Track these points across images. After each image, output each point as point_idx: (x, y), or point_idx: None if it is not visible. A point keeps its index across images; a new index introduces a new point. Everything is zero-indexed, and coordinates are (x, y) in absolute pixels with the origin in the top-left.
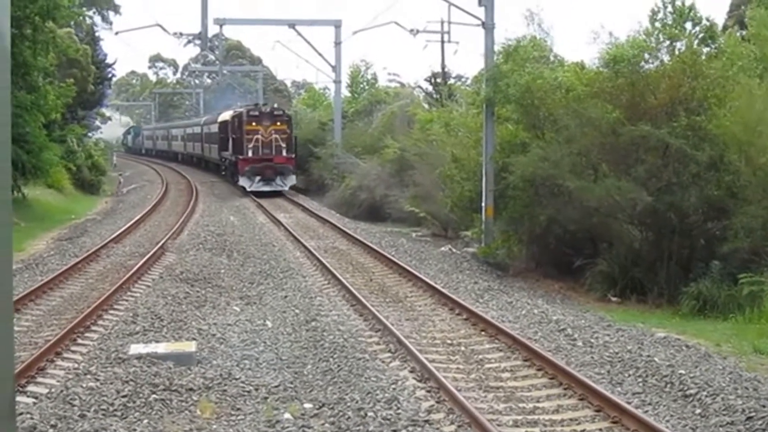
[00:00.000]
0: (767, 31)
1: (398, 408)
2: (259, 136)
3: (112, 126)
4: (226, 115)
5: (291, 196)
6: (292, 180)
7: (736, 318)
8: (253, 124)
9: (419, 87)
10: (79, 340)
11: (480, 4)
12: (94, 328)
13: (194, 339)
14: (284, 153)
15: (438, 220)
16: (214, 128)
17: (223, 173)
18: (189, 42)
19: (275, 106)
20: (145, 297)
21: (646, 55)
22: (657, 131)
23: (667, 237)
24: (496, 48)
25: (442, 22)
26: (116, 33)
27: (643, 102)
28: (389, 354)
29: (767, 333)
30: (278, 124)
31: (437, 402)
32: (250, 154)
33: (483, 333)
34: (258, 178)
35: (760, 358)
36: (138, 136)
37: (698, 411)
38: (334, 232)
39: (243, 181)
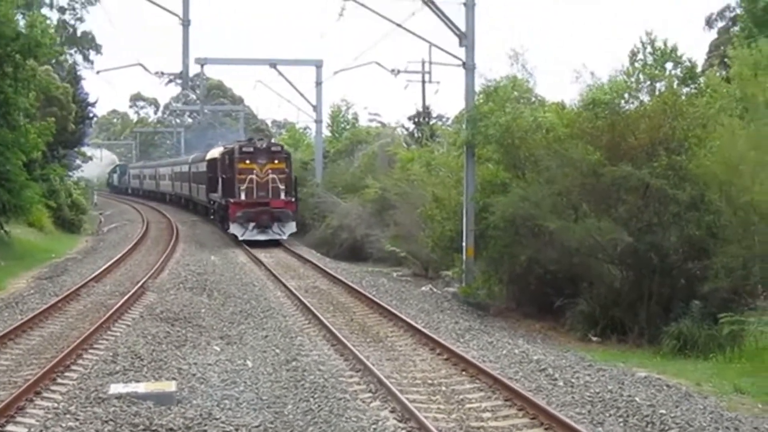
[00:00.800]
0: (749, 70)
1: None
2: (254, 176)
3: (96, 164)
4: (215, 152)
5: None
6: (291, 227)
7: (716, 357)
8: (247, 162)
9: (402, 126)
10: (59, 380)
11: (461, 44)
12: (73, 367)
13: (174, 379)
14: (283, 195)
15: (419, 260)
16: (203, 167)
17: (212, 218)
18: (170, 81)
19: (272, 141)
20: (125, 336)
21: (626, 95)
22: (637, 171)
23: (647, 277)
24: (477, 88)
25: (423, 63)
26: (98, 72)
27: (623, 142)
28: (370, 394)
29: (748, 372)
30: (276, 162)
31: None
32: (242, 197)
33: (464, 373)
34: (252, 225)
35: (741, 398)
36: (124, 175)
37: None
38: (315, 271)
39: (234, 228)
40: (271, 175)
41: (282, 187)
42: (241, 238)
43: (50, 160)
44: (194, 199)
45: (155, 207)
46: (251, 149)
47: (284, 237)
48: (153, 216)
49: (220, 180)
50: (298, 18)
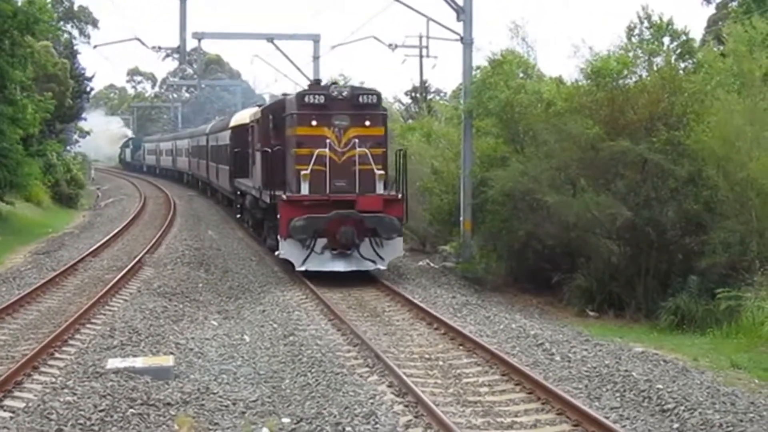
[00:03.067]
0: (744, 46)
1: (376, 423)
2: (327, 151)
3: (104, 137)
4: (245, 115)
5: None
6: (396, 248)
7: (713, 332)
8: (313, 123)
9: (399, 102)
10: (57, 354)
11: (458, 19)
12: (71, 342)
13: (172, 353)
14: (380, 187)
15: (416, 235)
16: (224, 138)
17: (239, 217)
18: (167, 56)
19: (356, 84)
20: (122, 311)
21: (625, 71)
22: (637, 147)
23: (645, 252)
24: (483, 61)
25: (421, 37)
26: (95, 47)
27: (622, 117)
28: (367, 368)
29: (744, 348)
30: (368, 124)
31: (415, 417)
32: (304, 189)
33: (461, 347)
34: (322, 243)
35: (738, 373)
36: (138, 150)
37: (676, 426)
38: None
39: (287, 249)
40: (358, 149)
41: (379, 170)
42: (300, 268)
43: (47, 136)
44: (213, 184)
45: (152, 181)
46: (321, 99)
47: (383, 266)
48: (150, 191)
49: (257, 158)
50: None
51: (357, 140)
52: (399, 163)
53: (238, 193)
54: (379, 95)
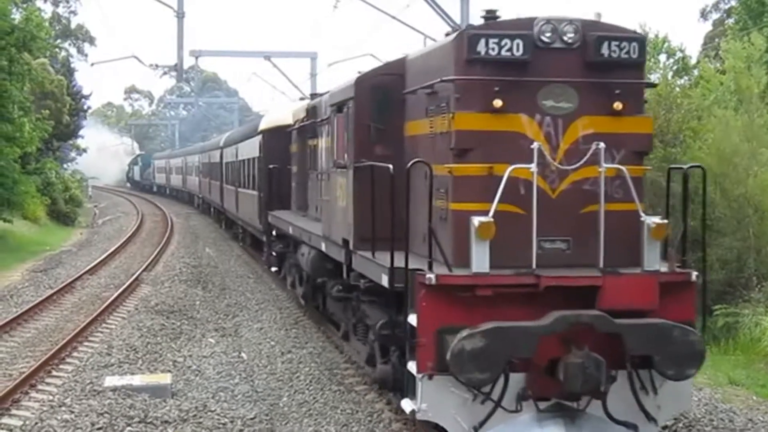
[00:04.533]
0: (742, 63)
1: None
2: (532, 168)
3: (113, 154)
4: (285, 113)
5: None
6: (684, 394)
7: (711, 349)
8: (497, 103)
9: None
10: (54, 372)
11: None
12: (69, 360)
13: (169, 371)
14: (652, 251)
15: None
16: (251, 149)
17: (275, 270)
18: (165, 73)
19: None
20: (120, 329)
21: None
22: None
23: None
24: None
25: None
26: (92, 64)
27: None
28: (365, 386)
29: (742, 364)
30: (618, 107)
31: None
32: (479, 258)
33: None
34: (520, 384)
35: (736, 390)
36: (148, 168)
37: None
38: None
39: (435, 397)
40: (605, 165)
41: (648, 214)
42: None
43: (45, 153)
44: (229, 214)
45: (149, 199)
46: (518, 49)
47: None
48: (148, 209)
49: (337, 182)
50: (293, 10)
51: (602, 144)
52: (683, 194)
53: (274, 234)
54: (642, 42)
